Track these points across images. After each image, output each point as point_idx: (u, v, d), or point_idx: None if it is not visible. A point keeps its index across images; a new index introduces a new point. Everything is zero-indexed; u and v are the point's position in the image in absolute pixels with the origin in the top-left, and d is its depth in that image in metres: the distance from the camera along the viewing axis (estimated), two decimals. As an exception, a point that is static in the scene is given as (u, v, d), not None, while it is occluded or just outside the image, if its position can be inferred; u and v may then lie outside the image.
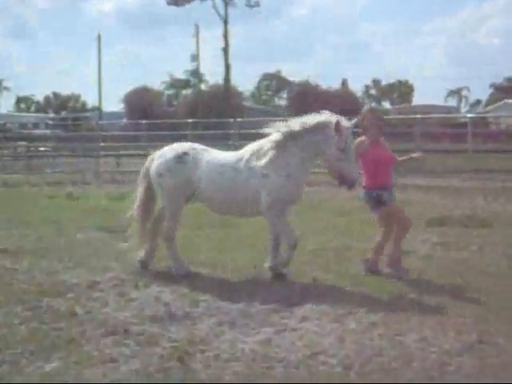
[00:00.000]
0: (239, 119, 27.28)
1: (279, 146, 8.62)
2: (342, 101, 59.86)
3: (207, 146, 9.26)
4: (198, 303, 7.70)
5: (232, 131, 26.15)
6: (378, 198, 8.81)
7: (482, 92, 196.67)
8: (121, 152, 29.33)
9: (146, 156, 9.66)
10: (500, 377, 5.52)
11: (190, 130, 26.77)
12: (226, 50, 65.29)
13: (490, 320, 6.90)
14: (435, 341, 6.36)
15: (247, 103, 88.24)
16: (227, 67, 65.33)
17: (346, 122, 8.47)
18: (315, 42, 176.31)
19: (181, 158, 8.98)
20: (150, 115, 58.91)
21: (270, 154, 8.63)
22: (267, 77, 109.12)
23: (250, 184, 8.66)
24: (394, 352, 6.08)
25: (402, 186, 17.43)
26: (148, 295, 7.99)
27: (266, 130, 8.85)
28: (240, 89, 76.03)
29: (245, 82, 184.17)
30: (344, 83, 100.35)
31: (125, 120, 62.73)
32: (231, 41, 67.33)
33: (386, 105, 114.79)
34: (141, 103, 71.42)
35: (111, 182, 23.88)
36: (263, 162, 8.62)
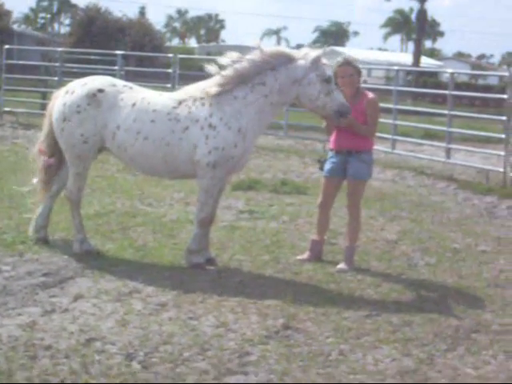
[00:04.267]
0: (7, 46, 26.23)
1: (231, 84, 8.02)
2: (138, 33, 59.20)
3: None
4: None
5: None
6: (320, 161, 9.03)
7: (304, 35, 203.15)
8: None
9: None
10: (308, 368, 5.77)
11: None
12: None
13: (298, 302, 7.20)
14: (235, 326, 6.55)
15: (18, 28, 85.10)
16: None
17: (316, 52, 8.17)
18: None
19: (94, 96, 8.18)
20: None
21: (219, 98, 8.04)
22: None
23: (189, 137, 8.00)
24: (185, 339, 6.19)
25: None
26: None
27: (209, 68, 8.19)
28: (8, 7, 72.99)
29: (18, 0, 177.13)
30: (142, 12, 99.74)
31: None
32: None
33: (192, 42, 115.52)
34: None
35: None
36: (210, 108, 8.02)
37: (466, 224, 11.63)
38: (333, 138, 8.87)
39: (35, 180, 8.75)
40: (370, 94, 8.79)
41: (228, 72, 8.08)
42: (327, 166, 8.87)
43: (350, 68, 8.63)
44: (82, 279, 7.62)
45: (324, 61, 8.16)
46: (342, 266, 8.59)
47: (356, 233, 8.85)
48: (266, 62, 8.05)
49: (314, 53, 8.13)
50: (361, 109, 8.63)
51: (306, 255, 8.87)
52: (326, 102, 8.08)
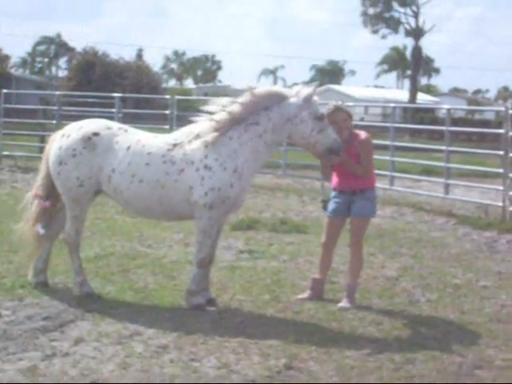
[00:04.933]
0: (5, 90, 26.34)
1: (225, 127, 8.04)
2: (137, 75, 59.50)
3: None
4: None
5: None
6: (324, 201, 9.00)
7: (300, 73, 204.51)
8: None
9: None
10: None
11: None
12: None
13: (300, 342, 7.16)
14: (237, 367, 6.51)
15: (16, 72, 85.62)
16: (-8, 24, 62.90)
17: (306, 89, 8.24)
18: (104, 2, 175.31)
19: (90, 139, 8.21)
20: None
21: (213, 136, 8.03)
22: (45, 40, 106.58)
23: (185, 178, 8.00)
24: (188, 381, 6.14)
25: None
26: None
27: (206, 109, 8.20)
28: (6, 52, 73.46)
29: (15, 44, 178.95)
30: (139, 54, 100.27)
31: None
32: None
33: (190, 83, 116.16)
34: None
35: None
36: (204, 148, 8.02)
37: (466, 259, 11.61)
38: (335, 178, 8.88)
39: (39, 229, 8.71)
40: (362, 135, 8.78)
41: (221, 116, 8.11)
42: (331, 205, 8.88)
43: (342, 113, 8.65)
44: (83, 322, 7.59)
45: (316, 98, 8.21)
46: (343, 304, 8.56)
47: (358, 270, 8.83)
48: (258, 102, 8.09)
49: (305, 90, 8.18)
50: (354, 152, 8.63)
51: (306, 294, 8.84)
52: (318, 139, 8.10)
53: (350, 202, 8.74)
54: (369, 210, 8.79)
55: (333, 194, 8.94)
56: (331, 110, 8.58)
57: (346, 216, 8.84)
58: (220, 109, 8.16)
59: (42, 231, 8.64)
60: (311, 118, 8.06)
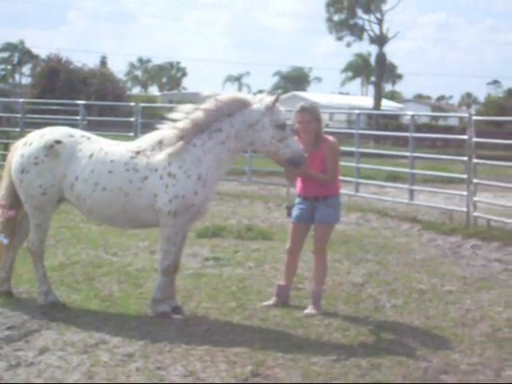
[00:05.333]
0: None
1: (189, 135, 8.06)
2: (101, 82, 59.28)
3: None
4: None
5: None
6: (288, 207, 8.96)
7: (265, 80, 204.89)
8: None
9: None
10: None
11: None
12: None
13: (266, 349, 7.17)
14: (204, 375, 6.50)
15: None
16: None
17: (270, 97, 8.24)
18: (69, 8, 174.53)
19: (52, 147, 8.15)
20: None
21: (178, 146, 8.03)
22: (8, 47, 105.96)
23: (149, 186, 8.00)
24: (154, 389, 6.13)
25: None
26: None
27: (171, 116, 8.18)
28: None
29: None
30: (103, 61, 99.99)
31: None
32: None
33: (154, 90, 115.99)
34: None
35: None
36: (168, 156, 8.01)
37: (431, 265, 11.68)
38: (299, 184, 8.90)
39: (2, 238, 8.62)
40: (330, 139, 8.81)
41: (184, 124, 8.10)
42: (295, 212, 8.89)
43: (306, 115, 8.66)
44: (48, 332, 7.53)
45: (279, 106, 8.23)
46: (309, 310, 8.57)
47: (322, 277, 8.85)
48: (222, 109, 8.11)
49: (269, 98, 8.21)
50: (320, 156, 8.65)
51: (272, 301, 8.85)
52: (278, 147, 8.12)
53: (314, 208, 8.76)
54: (332, 216, 8.82)
55: (297, 200, 8.97)
56: (297, 110, 8.62)
57: (311, 222, 8.86)
58: (184, 116, 8.16)
59: (5, 241, 8.56)
60: (272, 125, 8.08)
